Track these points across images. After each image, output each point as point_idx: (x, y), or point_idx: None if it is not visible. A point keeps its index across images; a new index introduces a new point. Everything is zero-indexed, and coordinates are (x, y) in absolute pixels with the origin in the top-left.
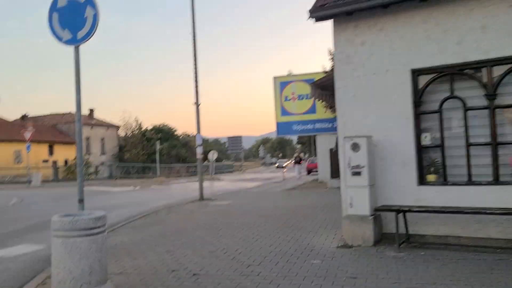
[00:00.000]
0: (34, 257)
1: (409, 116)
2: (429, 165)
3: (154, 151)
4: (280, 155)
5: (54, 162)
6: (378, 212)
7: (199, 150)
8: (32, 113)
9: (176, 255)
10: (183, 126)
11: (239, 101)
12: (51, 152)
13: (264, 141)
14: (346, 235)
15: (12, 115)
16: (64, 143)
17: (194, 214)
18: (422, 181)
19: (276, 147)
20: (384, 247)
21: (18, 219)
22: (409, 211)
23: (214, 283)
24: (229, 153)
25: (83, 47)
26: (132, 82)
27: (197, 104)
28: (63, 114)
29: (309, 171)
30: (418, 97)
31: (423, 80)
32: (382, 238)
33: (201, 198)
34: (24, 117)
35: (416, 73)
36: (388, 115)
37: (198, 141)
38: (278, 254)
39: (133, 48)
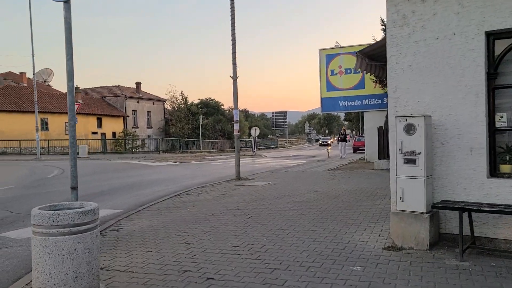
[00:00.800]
0: None
1: (480, 91)
2: (505, 153)
3: (198, 126)
4: (326, 131)
5: (103, 134)
6: (435, 209)
7: (236, 127)
8: (82, 85)
9: (194, 248)
10: (230, 101)
11: (287, 77)
12: (99, 124)
13: (310, 117)
14: (395, 235)
15: (65, 88)
16: (112, 116)
17: (225, 196)
18: (494, 172)
19: (322, 124)
20: (442, 252)
21: (48, 193)
22: (478, 210)
23: None
24: (274, 129)
25: (131, 19)
26: (180, 57)
27: (234, 78)
28: (112, 87)
29: (355, 150)
30: (494, 67)
31: (501, 45)
32: (439, 240)
33: (238, 177)
34: (75, 89)
35: (492, 37)
36: (453, 90)
37: (235, 117)
38: (311, 254)
39: (180, 22)
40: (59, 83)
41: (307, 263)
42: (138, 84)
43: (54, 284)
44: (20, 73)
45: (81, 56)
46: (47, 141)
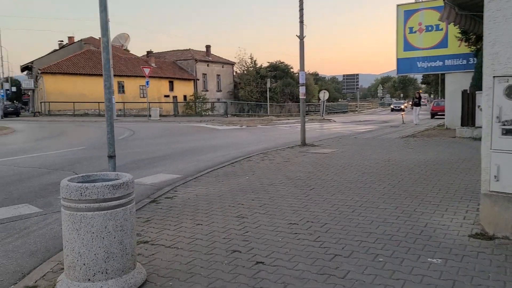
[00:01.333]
0: None
1: None
2: None
3: (267, 89)
4: (401, 95)
5: (174, 97)
6: None
7: (302, 90)
8: (156, 50)
9: (248, 224)
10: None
11: (360, 38)
12: (171, 87)
13: (384, 80)
14: (485, 220)
15: (141, 52)
16: (183, 79)
17: (288, 163)
18: None
19: (397, 87)
20: None
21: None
22: None
23: (277, 284)
24: (345, 93)
25: None
26: (251, 19)
27: (301, 38)
28: (183, 51)
29: (434, 115)
30: None
31: None
32: None
33: (303, 143)
34: (148, 54)
35: None
36: None
37: (301, 79)
38: (380, 239)
39: None
40: (136, 48)
41: (375, 250)
42: (208, 47)
43: (84, 264)
44: (99, 38)
45: (155, 20)
46: (123, 103)
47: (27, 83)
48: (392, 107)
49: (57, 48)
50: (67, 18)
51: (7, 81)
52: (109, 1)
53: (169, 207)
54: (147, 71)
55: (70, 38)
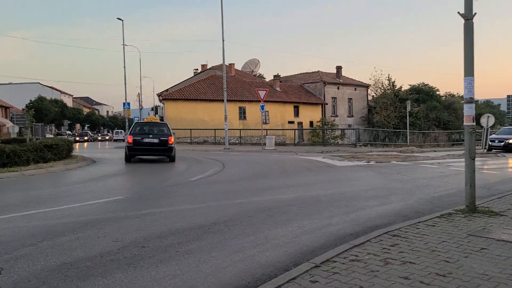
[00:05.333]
0: None
1: None
2: None
3: (406, 114)
4: None
5: (299, 124)
6: None
7: (468, 110)
8: (283, 74)
9: None
10: (446, 85)
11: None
12: (296, 113)
13: None
14: None
15: (269, 76)
16: (310, 103)
17: (454, 281)
18: None
19: None
20: None
21: (139, 218)
22: None
23: None
24: (508, 118)
25: None
26: (387, 38)
27: (467, 17)
28: (311, 74)
29: None
30: None
31: None
32: None
33: (471, 207)
34: (275, 77)
35: None
36: None
37: (467, 92)
38: None
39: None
40: (266, 73)
41: None
42: (338, 68)
43: None
44: (229, 64)
45: (286, 45)
46: (239, 130)
47: (161, 111)
48: (489, 143)
49: (192, 75)
50: (202, 49)
51: (152, 110)
52: (242, 27)
53: None
54: (262, 94)
55: (203, 66)
